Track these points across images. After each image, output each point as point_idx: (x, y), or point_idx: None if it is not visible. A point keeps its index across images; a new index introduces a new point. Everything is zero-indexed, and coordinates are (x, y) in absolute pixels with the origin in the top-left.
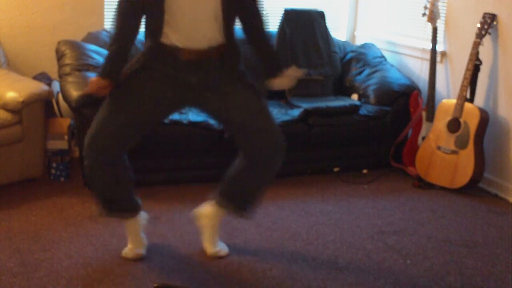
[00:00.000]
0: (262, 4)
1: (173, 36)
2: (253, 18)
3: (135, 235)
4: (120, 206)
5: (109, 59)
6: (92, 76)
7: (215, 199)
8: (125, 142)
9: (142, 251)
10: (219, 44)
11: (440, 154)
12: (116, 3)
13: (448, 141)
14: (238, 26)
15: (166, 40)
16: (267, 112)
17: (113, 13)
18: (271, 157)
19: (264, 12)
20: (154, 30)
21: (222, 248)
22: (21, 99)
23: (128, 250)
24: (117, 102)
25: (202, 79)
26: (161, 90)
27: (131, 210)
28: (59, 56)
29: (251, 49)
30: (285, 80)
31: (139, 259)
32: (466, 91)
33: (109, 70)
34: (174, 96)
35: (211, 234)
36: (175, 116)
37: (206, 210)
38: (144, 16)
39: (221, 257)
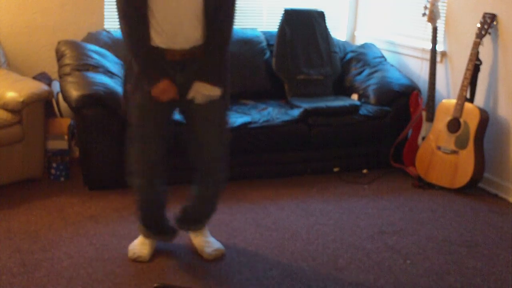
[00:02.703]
0: (235, 11)
1: (156, 38)
2: (222, 23)
3: (152, 244)
4: (165, 229)
5: (149, 65)
6: (94, 76)
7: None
8: (163, 150)
9: (148, 257)
10: (202, 43)
11: (440, 154)
12: (118, 7)
13: (448, 141)
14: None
15: (151, 42)
16: (223, 136)
17: (120, 20)
18: (212, 182)
19: (233, 20)
20: None
21: (216, 248)
22: (21, 99)
23: (138, 250)
24: (138, 120)
25: (186, 79)
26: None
27: (173, 231)
28: (59, 56)
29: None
30: (200, 92)
31: (140, 261)
32: (466, 91)
33: (157, 73)
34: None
35: (199, 245)
36: (175, 116)
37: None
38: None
39: (218, 258)
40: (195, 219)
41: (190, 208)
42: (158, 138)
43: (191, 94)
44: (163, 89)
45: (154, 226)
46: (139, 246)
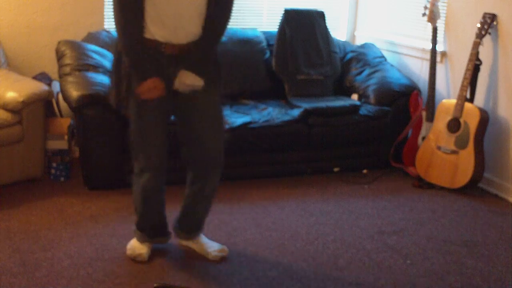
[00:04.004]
0: (232, 8)
1: (156, 32)
2: (218, 19)
3: (150, 244)
4: (163, 230)
5: (139, 62)
6: (94, 76)
7: (178, 236)
8: (165, 146)
9: (147, 257)
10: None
11: (440, 154)
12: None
13: (448, 141)
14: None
15: (149, 35)
16: (220, 126)
17: (115, 13)
18: (210, 174)
19: (229, 17)
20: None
21: (219, 248)
22: (21, 99)
23: (137, 248)
24: (139, 115)
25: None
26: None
27: (169, 234)
28: (59, 56)
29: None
30: (185, 81)
31: (139, 260)
32: (466, 91)
33: (147, 69)
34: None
35: (201, 249)
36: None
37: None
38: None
39: (224, 258)
40: (197, 222)
41: (190, 212)
42: (159, 135)
43: (176, 84)
44: (150, 87)
45: (152, 228)
46: (138, 245)
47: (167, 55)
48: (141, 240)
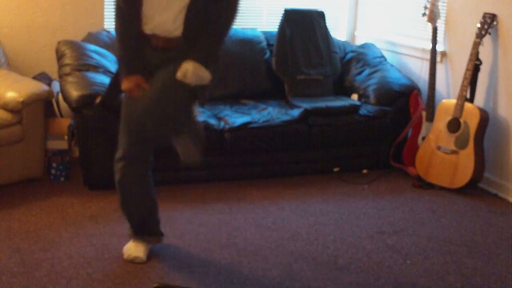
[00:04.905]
0: (228, 8)
1: (143, 24)
2: (219, 17)
3: (146, 244)
4: (150, 229)
5: (130, 55)
6: (94, 76)
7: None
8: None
9: (144, 258)
10: (180, 37)
11: (440, 154)
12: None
13: (448, 141)
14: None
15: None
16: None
17: (114, 11)
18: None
19: (227, 16)
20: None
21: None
22: (21, 99)
23: (132, 251)
24: (125, 104)
25: (162, 61)
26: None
27: (160, 234)
28: (59, 56)
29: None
30: (194, 72)
31: (138, 262)
32: (466, 91)
33: (138, 66)
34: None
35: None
36: None
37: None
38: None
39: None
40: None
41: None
42: None
43: (182, 73)
44: (136, 84)
45: (138, 224)
46: (134, 247)
47: (154, 46)
48: (129, 236)
